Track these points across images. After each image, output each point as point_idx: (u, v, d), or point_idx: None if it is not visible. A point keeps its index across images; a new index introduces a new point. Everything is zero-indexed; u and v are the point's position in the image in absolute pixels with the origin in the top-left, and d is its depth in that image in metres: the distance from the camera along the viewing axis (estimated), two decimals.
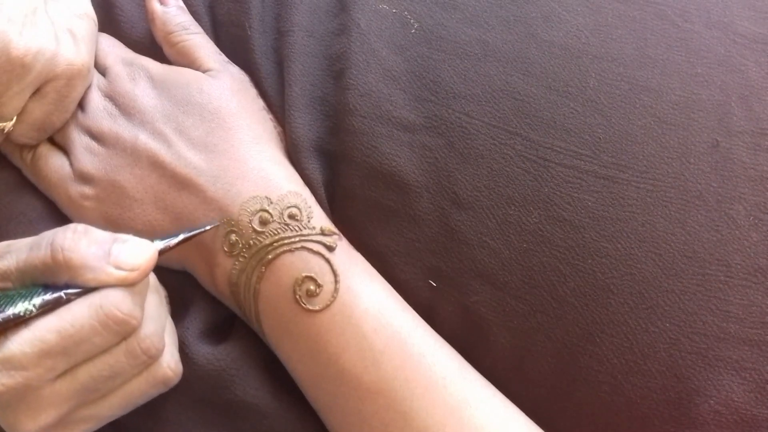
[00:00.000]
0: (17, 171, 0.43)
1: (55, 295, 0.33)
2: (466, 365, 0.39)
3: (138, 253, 0.34)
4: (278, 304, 0.39)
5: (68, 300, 0.33)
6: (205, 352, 0.40)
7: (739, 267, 0.38)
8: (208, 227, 0.39)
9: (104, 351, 0.34)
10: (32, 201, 0.42)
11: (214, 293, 0.41)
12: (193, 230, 0.38)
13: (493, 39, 0.42)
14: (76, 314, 0.33)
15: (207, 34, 0.45)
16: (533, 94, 0.40)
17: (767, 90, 0.41)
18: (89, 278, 0.33)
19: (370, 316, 0.38)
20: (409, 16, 0.42)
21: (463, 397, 0.38)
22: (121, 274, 0.34)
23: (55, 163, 0.42)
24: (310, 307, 0.38)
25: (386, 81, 0.41)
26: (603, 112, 0.40)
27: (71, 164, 0.41)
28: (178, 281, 0.42)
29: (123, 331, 0.33)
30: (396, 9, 0.43)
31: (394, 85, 0.41)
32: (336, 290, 0.38)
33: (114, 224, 0.40)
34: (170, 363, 0.37)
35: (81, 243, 0.34)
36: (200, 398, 0.40)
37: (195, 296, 0.42)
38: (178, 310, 0.41)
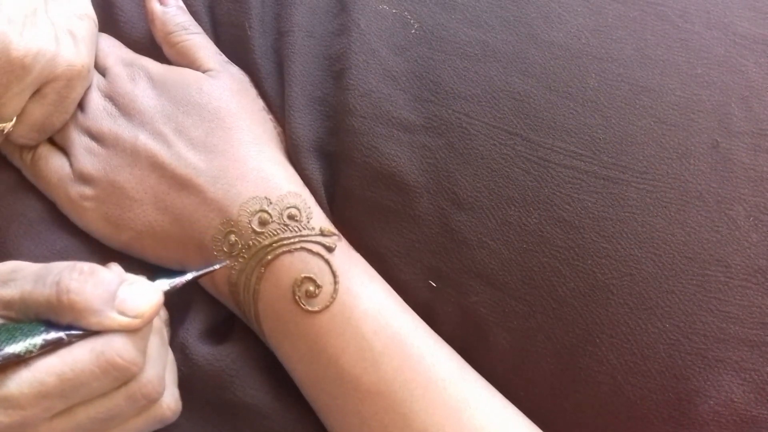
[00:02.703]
0: (17, 171, 0.43)
1: (57, 336, 0.32)
2: (465, 366, 0.40)
3: (144, 298, 0.34)
4: (277, 305, 0.39)
5: (69, 342, 0.33)
6: (205, 352, 0.40)
7: (738, 268, 0.38)
8: (216, 266, 0.38)
9: (104, 394, 0.33)
10: (32, 202, 0.42)
11: (213, 293, 0.41)
12: (201, 269, 0.38)
13: (493, 39, 0.41)
14: (77, 358, 0.32)
15: (207, 34, 0.45)
16: (533, 95, 0.40)
17: (767, 90, 0.41)
18: (93, 322, 0.33)
19: (370, 317, 0.38)
20: (409, 17, 0.42)
21: (462, 397, 0.38)
22: (124, 321, 0.33)
23: (55, 164, 0.42)
24: (310, 308, 0.38)
25: (386, 81, 0.41)
26: (603, 113, 0.40)
27: (71, 165, 0.41)
28: None
29: (124, 377, 0.33)
30: (396, 9, 0.43)
31: (394, 86, 0.41)
32: (335, 291, 0.38)
33: (114, 225, 0.40)
34: (170, 403, 0.36)
35: (87, 286, 0.33)
36: (200, 398, 0.40)
37: (195, 296, 0.42)
38: (178, 310, 0.41)
